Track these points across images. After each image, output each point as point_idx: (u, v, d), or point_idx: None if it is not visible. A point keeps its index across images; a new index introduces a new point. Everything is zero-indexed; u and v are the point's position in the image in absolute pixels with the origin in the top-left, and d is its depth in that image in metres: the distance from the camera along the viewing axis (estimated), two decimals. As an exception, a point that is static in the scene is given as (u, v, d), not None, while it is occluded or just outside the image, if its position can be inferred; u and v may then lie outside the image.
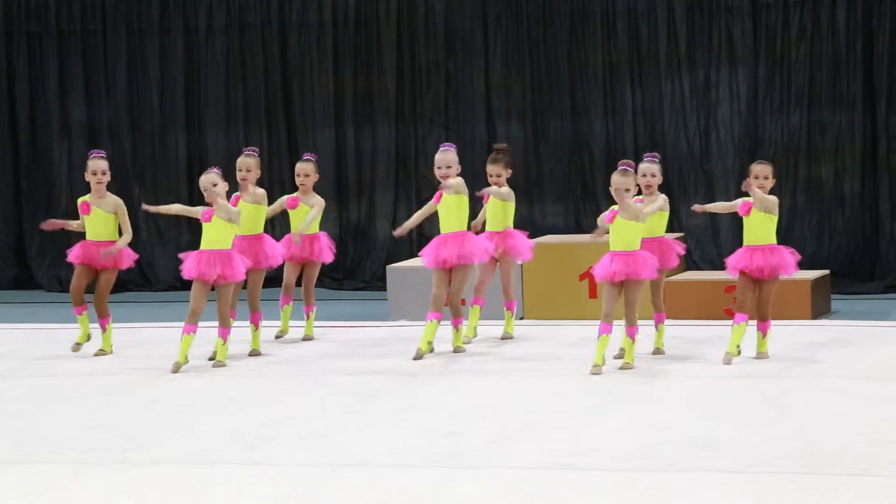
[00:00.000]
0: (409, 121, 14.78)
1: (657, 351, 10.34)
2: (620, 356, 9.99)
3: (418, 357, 10.20)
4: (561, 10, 14.36)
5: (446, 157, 10.64)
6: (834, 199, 13.98)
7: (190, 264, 10.02)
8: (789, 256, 10.06)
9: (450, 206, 10.53)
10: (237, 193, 11.00)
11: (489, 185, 11.21)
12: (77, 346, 10.79)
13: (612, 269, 9.66)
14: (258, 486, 6.95)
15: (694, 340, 10.95)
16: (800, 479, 6.85)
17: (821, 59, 13.92)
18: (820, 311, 12.21)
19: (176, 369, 9.96)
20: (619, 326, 9.82)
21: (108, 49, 15.08)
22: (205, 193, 10.16)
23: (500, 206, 11.18)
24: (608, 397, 8.98)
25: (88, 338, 10.80)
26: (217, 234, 10.04)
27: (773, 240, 10.08)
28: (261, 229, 10.90)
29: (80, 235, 10.87)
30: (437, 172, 10.61)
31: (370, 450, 7.62)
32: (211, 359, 10.27)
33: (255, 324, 10.64)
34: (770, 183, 10.19)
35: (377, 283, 14.13)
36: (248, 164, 11.03)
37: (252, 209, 10.83)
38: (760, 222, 10.05)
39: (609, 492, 6.72)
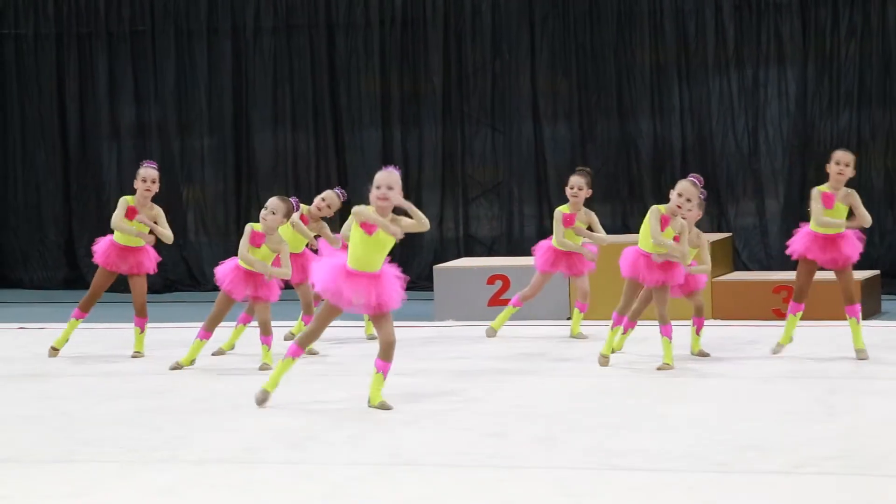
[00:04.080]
0: (455, 121, 14.79)
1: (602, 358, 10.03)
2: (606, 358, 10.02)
3: (263, 400, 8.75)
4: (608, 10, 14.32)
5: (390, 178, 8.51)
6: (884, 199, 13.87)
7: (224, 277, 10.01)
8: (857, 241, 9.91)
9: (384, 242, 8.54)
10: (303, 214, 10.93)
11: (565, 193, 11.21)
12: (54, 352, 10.80)
13: (650, 277, 9.64)
14: (304, 484, 6.96)
15: (742, 341, 10.89)
16: (848, 481, 6.80)
17: (871, 57, 13.82)
18: (870, 311, 12.12)
19: (176, 367, 10.04)
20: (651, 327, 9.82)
21: (156, 50, 15.17)
22: (263, 211, 10.03)
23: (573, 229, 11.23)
24: (654, 398, 8.94)
25: (66, 341, 10.81)
26: (259, 257, 10.03)
27: (843, 227, 9.91)
28: (303, 248, 10.93)
29: (110, 230, 10.82)
30: (376, 192, 8.46)
31: (415, 449, 7.62)
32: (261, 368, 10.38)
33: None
34: (851, 171, 9.88)
35: (424, 283, 14.15)
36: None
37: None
38: (839, 213, 9.89)
39: (654, 493, 6.68)
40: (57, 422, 8.56)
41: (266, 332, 10.04)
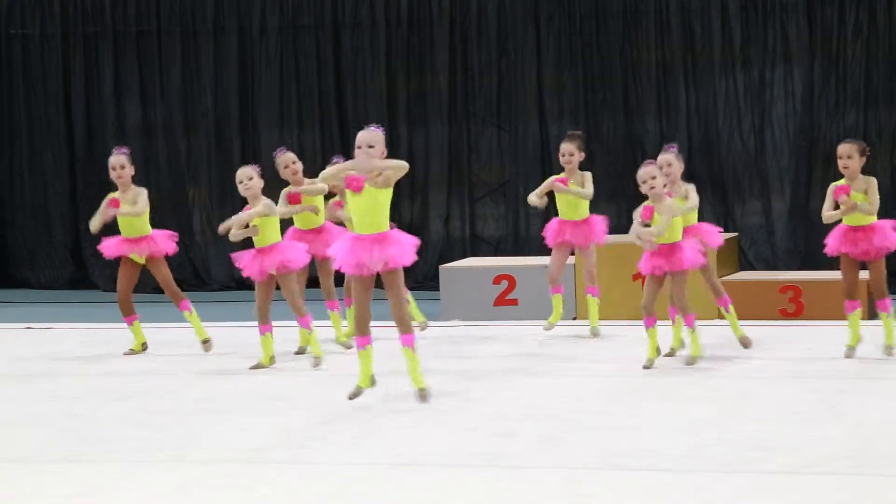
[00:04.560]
0: (461, 120, 14.79)
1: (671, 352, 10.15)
2: (670, 354, 10.03)
3: (355, 395, 8.69)
4: (614, 8, 14.32)
5: (371, 136, 8.49)
6: (890, 199, 13.86)
7: (247, 265, 10.02)
8: (891, 232, 9.80)
9: (378, 199, 8.47)
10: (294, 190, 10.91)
11: (559, 162, 11.25)
12: (130, 352, 10.86)
13: (651, 263, 9.67)
14: (310, 485, 6.96)
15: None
16: (854, 481, 6.79)
17: (877, 57, 13.81)
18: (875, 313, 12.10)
19: (258, 366, 10.04)
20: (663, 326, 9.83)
21: (162, 50, 15.18)
22: (239, 186, 10.08)
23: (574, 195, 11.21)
24: (660, 398, 8.93)
25: (144, 346, 10.88)
26: (264, 229, 10.03)
27: (874, 218, 9.79)
28: (322, 221, 10.88)
29: (116, 230, 10.87)
30: (357, 151, 8.47)
31: (421, 449, 7.62)
32: (298, 352, 10.41)
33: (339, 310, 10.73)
34: (855, 162, 9.74)
35: (429, 283, 14.15)
36: (292, 158, 10.91)
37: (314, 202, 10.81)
38: (864, 201, 9.81)
39: (660, 493, 6.68)
40: (63, 422, 8.57)
41: (300, 314, 9.99)
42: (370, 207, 8.42)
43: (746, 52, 14.09)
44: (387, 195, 8.45)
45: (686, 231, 9.94)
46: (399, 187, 14.95)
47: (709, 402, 8.78)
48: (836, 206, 9.79)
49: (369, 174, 8.40)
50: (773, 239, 14.14)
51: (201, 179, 15.23)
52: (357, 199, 8.44)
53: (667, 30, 14.24)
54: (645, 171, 9.72)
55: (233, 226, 9.89)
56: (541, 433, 7.92)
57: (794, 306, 12.09)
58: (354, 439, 7.89)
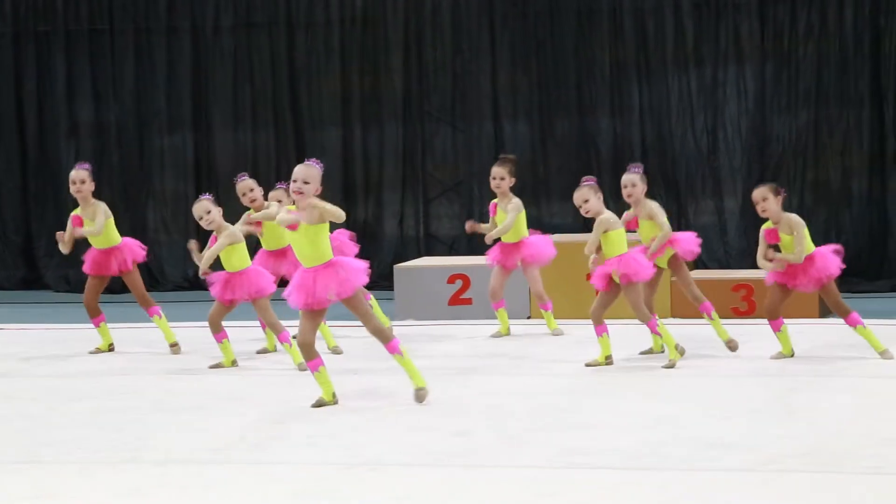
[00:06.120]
0: (416, 119, 14.80)
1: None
2: (647, 352, 10.11)
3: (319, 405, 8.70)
4: (568, 7, 14.37)
5: (308, 172, 8.41)
6: (841, 198, 13.98)
7: (217, 289, 10.04)
8: (830, 257, 9.75)
9: (315, 233, 8.45)
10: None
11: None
12: (97, 350, 10.85)
13: (603, 274, 9.76)
14: (267, 485, 6.95)
15: (702, 339, 10.94)
16: (812, 478, 6.85)
17: (828, 57, 13.92)
18: (828, 309, 12.18)
19: (218, 366, 10.11)
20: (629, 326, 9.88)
21: (115, 49, 15.11)
22: (200, 222, 10.12)
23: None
24: (618, 396, 8.98)
25: (111, 347, 10.87)
26: (229, 256, 10.05)
27: (811, 250, 9.73)
28: (285, 243, 10.88)
29: (88, 243, 10.89)
30: (292, 186, 8.38)
31: (379, 449, 7.62)
32: (260, 352, 10.59)
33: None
34: (770, 205, 9.66)
35: (384, 282, 14.15)
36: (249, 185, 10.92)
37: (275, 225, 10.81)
38: (792, 242, 9.76)
39: (620, 491, 6.71)
40: (19, 423, 8.51)
41: (277, 331, 10.01)
42: (308, 242, 8.41)
43: (699, 51, 14.17)
44: (322, 227, 8.43)
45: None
46: (354, 187, 15.06)
47: (665, 399, 8.83)
48: (774, 248, 9.78)
49: (274, 214, 8.45)
50: (726, 238, 14.23)
51: (154, 178, 15.16)
52: (295, 237, 8.44)
53: (620, 29, 14.30)
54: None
55: (202, 265, 9.90)
56: (499, 432, 7.93)
57: (747, 305, 12.17)
58: (311, 439, 7.88)
